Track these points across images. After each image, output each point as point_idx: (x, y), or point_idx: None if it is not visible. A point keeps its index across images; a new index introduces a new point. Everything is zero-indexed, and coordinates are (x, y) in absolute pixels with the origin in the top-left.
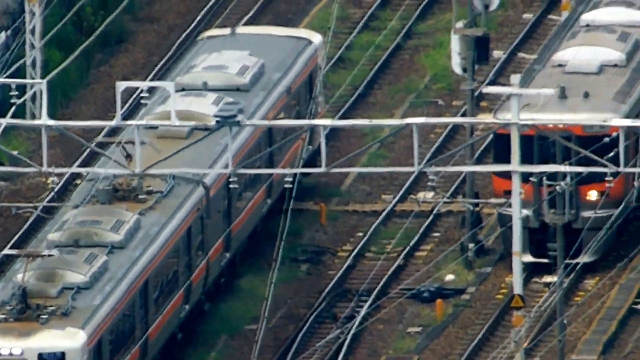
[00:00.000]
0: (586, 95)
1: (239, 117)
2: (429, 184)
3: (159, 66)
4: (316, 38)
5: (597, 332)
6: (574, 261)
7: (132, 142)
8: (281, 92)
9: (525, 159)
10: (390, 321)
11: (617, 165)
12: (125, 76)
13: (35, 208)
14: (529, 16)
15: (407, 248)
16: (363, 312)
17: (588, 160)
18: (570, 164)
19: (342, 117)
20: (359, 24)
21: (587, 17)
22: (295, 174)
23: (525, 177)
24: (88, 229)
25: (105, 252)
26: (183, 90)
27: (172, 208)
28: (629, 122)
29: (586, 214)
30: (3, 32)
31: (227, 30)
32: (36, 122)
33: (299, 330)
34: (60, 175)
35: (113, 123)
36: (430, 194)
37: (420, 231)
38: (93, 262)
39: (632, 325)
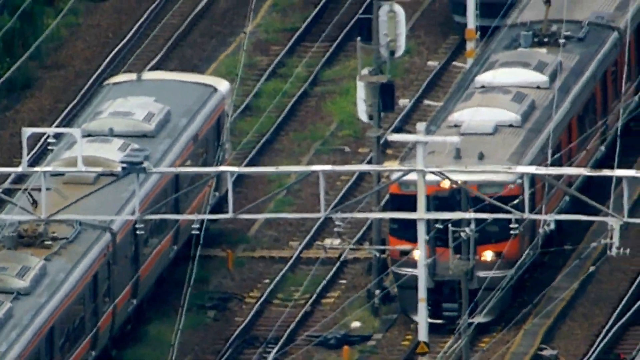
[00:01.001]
0: (481, 156)
1: (146, 164)
2: (336, 230)
3: (65, 112)
4: (223, 85)
5: None
6: (469, 320)
7: (39, 189)
8: (188, 139)
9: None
10: None
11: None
12: (32, 122)
13: None
14: (434, 63)
15: (314, 295)
16: (270, 359)
17: (493, 209)
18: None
19: (249, 164)
20: (266, 71)
21: (482, 78)
22: (202, 220)
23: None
24: None
25: (10, 299)
26: (89, 136)
27: (78, 254)
28: (532, 170)
29: (482, 274)
30: None
31: (133, 76)
32: None
33: None
34: None
35: (19, 169)
36: (336, 241)
37: (327, 278)
38: None
39: None
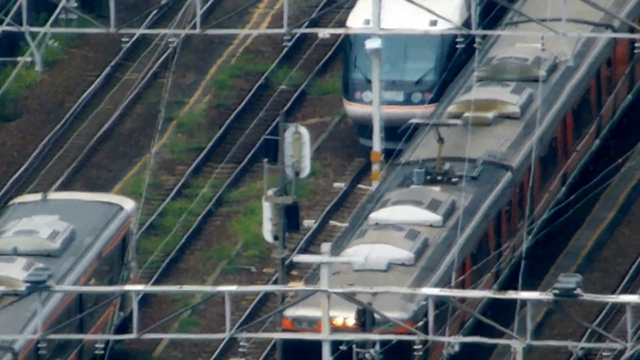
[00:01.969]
0: (374, 294)
1: (49, 283)
2: (240, 350)
3: None
4: (128, 204)
5: None
6: None
7: None
8: (92, 258)
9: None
10: None
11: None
12: None
13: None
14: (340, 185)
15: None
16: None
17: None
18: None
19: (155, 283)
20: (172, 190)
21: (376, 215)
22: (107, 341)
23: None
24: None
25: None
26: None
27: None
28: (437, 291)
29: None
30: None
31: (38, 196)
32: None
33: None
34: None
35: None
36: None
37: None
38: None
39: None
